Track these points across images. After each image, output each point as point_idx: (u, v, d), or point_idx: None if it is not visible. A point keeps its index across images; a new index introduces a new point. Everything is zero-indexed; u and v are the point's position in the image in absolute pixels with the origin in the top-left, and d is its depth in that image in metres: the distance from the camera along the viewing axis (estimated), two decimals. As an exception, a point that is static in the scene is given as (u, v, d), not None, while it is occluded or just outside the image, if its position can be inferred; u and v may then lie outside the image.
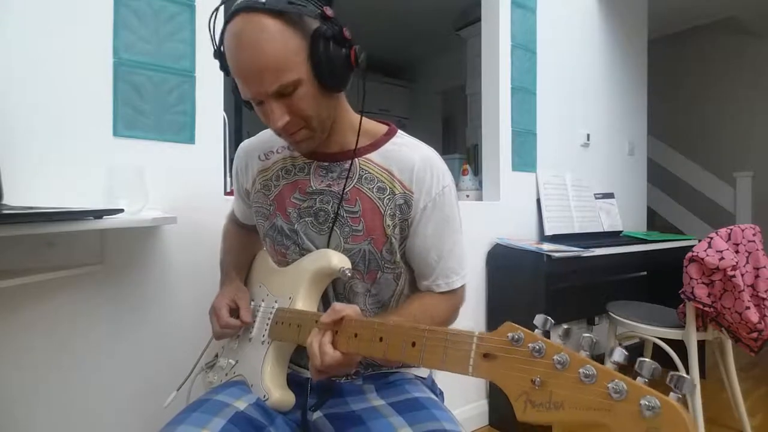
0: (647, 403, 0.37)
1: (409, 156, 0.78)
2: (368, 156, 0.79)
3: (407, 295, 0.85)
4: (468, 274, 0.86)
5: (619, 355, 0.42)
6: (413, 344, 0.57)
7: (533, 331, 0.48)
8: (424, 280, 0.82)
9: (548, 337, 0.47)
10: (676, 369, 1.65)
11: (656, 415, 0.37)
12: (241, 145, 0.93)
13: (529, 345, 0.46)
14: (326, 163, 0.80)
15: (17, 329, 0.99)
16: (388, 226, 0.77)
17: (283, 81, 0.66)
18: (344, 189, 0.78)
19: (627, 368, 0.40)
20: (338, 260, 0.76)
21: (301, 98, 0.68)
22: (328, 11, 0.68)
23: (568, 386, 0.42)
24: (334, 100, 0.74)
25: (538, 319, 0.48)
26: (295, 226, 0.82)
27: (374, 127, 0.82)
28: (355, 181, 0.78)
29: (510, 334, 0.48)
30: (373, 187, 0.77)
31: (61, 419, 1.04)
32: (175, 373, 0.96)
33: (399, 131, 0.83)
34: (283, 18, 0.65)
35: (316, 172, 0.81)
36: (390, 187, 0.77)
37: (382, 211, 0.77)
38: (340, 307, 0.66)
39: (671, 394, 0.38)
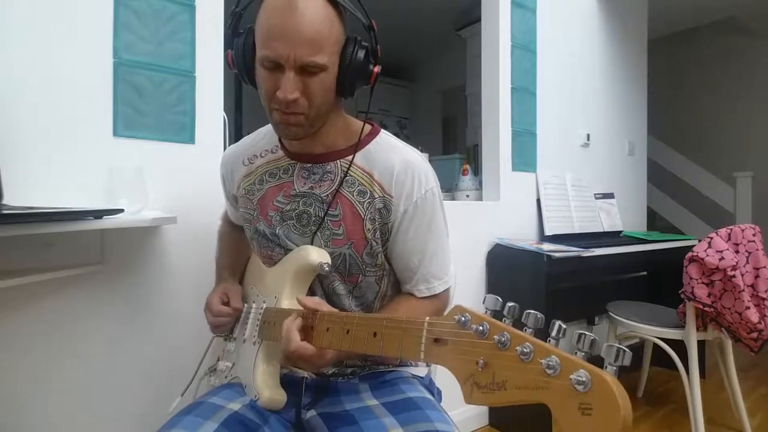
0: (578, 377, 0.36)
1: (390, 159, 0.77)
2: (350, 158, 0.78)
3: (391, 296, 0.85)
4: (452, 278, 0.85)
5: (557, 329, 0.41)
6: (374, 334, 0.58)
7: (485, 312, 0.47)
8: (405, 283, 0.82)
9: (500, 317, 0.46)
10: (676, 369, 1.66)
11: (588, 389, 0.35)
12: (225, 152, 0.94)
13: (474, 326, 0.46)
14: (309, 165, 0.80)
15: (17, 329, 0.99)
16: (368, 230, 0.76)
17: (315, 59, 0.66)
18: (333, 193, 0.77)
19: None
20: (317, 255, 0.76)
21: (317, 83, 0.69)
22: (375, 26, 0.73)
23: (508, 366, 0.42)
24: (336, 100, 0.75)
25: (489, 299, 0.48)
26: (277, 230, 0.81)
27: (357, 126, 0.81)
28: (336, 184, 0.77)
29: (456, 317, 0.48)
30: (353, 191, 0.77)
31: (61, 419, 1.04)
32: (176, 373, 0.96)
33: (382, 131, 0.82)
34: (338, 8, 0.69)
35: (299, 174, 0.81)
36: (370, 191, 0.76)
37: (362, 216, 0.76)
38: (319, 300, 0.70)
39: (608, 367, 0.37)
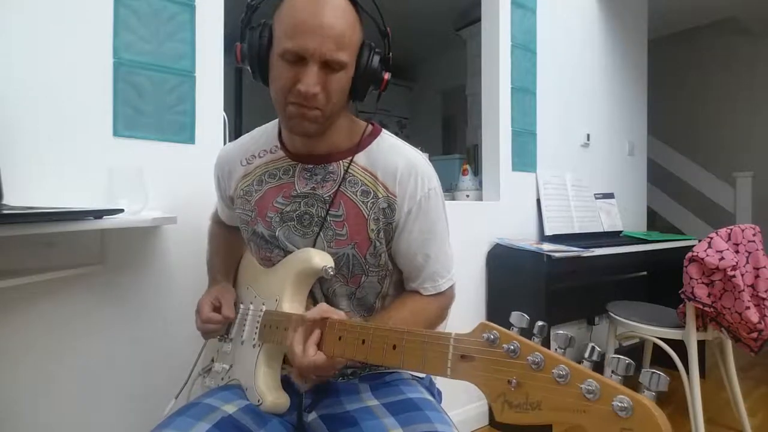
0: (620, 404, 0.37)
1: (393, 159, 0.77)
2: (352, 158, 0.78)
3: (393, 296, 0.85)
4: (456, 274, 0.85)
5: (590, 351, 0.42)
6: (394, 347, 0.57)
7: (510, 329, 0.47)
8: (411, 282, 0.83)
9: (528, 335, 0.46)
10: (676, 369, 1.66)
11: (629, 415, 0.36)
12: (221, 152, 0.93)
13: (504, 345, 0.46)
14: (310, 166, 0.80)
15: (17, 329, 0.99)
16: (372, 230, 0.76)
17: (339, 56, 0.68)
18: (335, 193, 0.77)
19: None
20: (320, 259, 0.75)
21: (337, 80, 0.70)
22: (390, 33, 0.75)
23: (543, 387, 0.42)
24: (346, 101, 0.76)
25: (514, 316, 0.48)
26: (276, 232, 0.81)
27: (360, 127, 0.81)
28: (338, 184, 0.77)
29: (485, 335, 0.48)
30: (357, 191, 0.77)
31: (58, 419, 1.04)
32: (175, 373, 0.96)
33: (383, 131, 0.83)
34: (357, 9, 0.72)
35: (300, 175, 0.80)
36: (374, 191, 0.77)
37: (366, 216, 0.76)
38: (327, 308, 0.68)
39: (645, 392, 0.38)
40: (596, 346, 0.42)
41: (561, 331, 0.45)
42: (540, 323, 0.46)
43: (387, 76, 0.76)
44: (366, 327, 0.62)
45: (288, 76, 0.68)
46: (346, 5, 0.69)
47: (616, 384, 0.38)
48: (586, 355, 0.42)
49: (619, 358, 0.40)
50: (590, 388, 0.39)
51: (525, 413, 0.43)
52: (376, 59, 0.73)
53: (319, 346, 0.65)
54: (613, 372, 0.40)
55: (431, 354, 0.53)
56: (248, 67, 0.74)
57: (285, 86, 0.69)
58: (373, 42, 0.75)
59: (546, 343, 0.45)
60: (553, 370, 0.41)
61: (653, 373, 0.38)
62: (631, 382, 0.38)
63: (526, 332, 0.47)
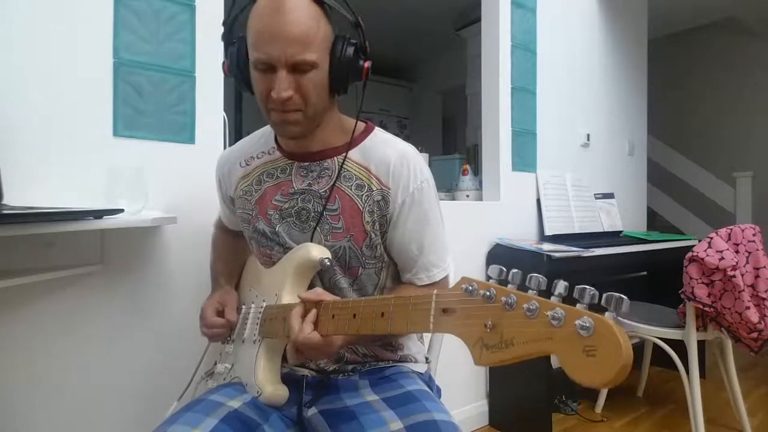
0: (581, 323, 0.39)
1: (385, 152, 0.79)
2: (346, 154, 0.80)
3: (390, 288, 0.87)
4: (450, 265, 0.87)
5: (561, 287, 0.44)
6: (382, 314, 0.60)
7: (488, 281, 0.49)
8: (406, 273, 0.84)
9: (505, 285, 0.48)
10: (676, 369, 1.66)
11: (590, 333, 0.38)
12: (221, 155, 0.96)
13: (481, 292, 0.48)
14: (306, 163, 0.82)
15: (17, 329, 0.99)
16: (367, 222, 0.78)
17: (305, 57, 0.68)
18: (330, 188, 0.79)
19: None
20: (318, 252, 0.77)
21: (310, 80, 0.71)
22: (361, 22, 0.75)
23: (515, 324, 0.44)
24: (331, 98, 0.78)
25: (492, 269, 0.50)
26: (277, 228, 0.83)
27: (350, 123, 0.83)
28: (334, 179, 0.79)
29: (464, 286, 0.50)
30: (351, 185, 0.79)
31: (60, 419, 1.04)
32: (176, 374, 0.96)
33: (376, 128, 0.85)
34: (323, 7, 0.71)
35: (297, 173, 0.83)
36: (368, 184, 0.79)
37: (361, 208, 0.78)
38: (322, 291, 0.71)
39: (606, 313, 0.40)
40: (564, 282, 0.44)
41: (534, 274, 0.46)
42: (514, 270, 0.48)
43: (366, 64, 0.76)
44: (357, 301, 0.65)
45: (262, 84, 0.71)
46: (305, 3, 0.69)
47: (580, 309, 0.40)
48: (554, 291, 0.44)
49: (585, 288, 0.42)
50: (556, 315, 0.41)
51: (500, 352, 0.45)
52: (350, 50, 0.74)
53: (315, 326, 0.67)
54: (578, 302, 0.42)
55: (415, 314, 0.55)
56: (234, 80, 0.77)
57: (262, 95, 0.72)
58: (349, 35, 0.76)
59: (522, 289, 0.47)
60: (523, 306, 0.43)
61: (614, 295, 0.40)
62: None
63: (504, 283, 0.49)
